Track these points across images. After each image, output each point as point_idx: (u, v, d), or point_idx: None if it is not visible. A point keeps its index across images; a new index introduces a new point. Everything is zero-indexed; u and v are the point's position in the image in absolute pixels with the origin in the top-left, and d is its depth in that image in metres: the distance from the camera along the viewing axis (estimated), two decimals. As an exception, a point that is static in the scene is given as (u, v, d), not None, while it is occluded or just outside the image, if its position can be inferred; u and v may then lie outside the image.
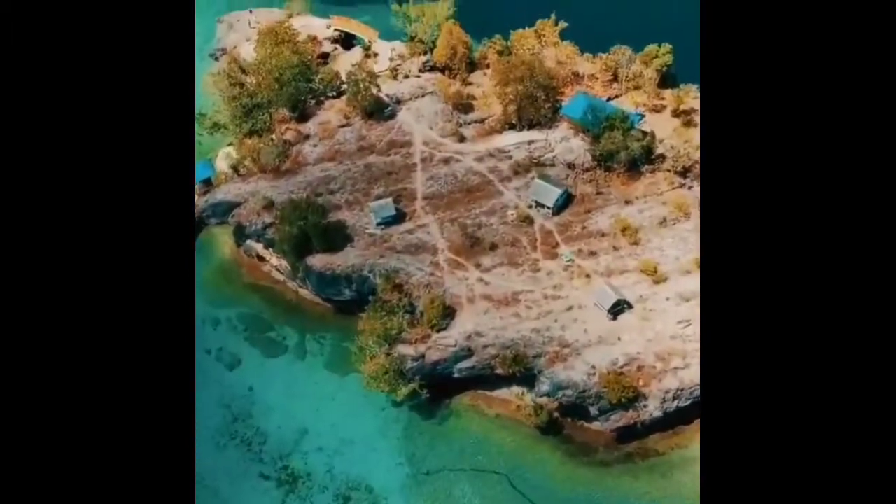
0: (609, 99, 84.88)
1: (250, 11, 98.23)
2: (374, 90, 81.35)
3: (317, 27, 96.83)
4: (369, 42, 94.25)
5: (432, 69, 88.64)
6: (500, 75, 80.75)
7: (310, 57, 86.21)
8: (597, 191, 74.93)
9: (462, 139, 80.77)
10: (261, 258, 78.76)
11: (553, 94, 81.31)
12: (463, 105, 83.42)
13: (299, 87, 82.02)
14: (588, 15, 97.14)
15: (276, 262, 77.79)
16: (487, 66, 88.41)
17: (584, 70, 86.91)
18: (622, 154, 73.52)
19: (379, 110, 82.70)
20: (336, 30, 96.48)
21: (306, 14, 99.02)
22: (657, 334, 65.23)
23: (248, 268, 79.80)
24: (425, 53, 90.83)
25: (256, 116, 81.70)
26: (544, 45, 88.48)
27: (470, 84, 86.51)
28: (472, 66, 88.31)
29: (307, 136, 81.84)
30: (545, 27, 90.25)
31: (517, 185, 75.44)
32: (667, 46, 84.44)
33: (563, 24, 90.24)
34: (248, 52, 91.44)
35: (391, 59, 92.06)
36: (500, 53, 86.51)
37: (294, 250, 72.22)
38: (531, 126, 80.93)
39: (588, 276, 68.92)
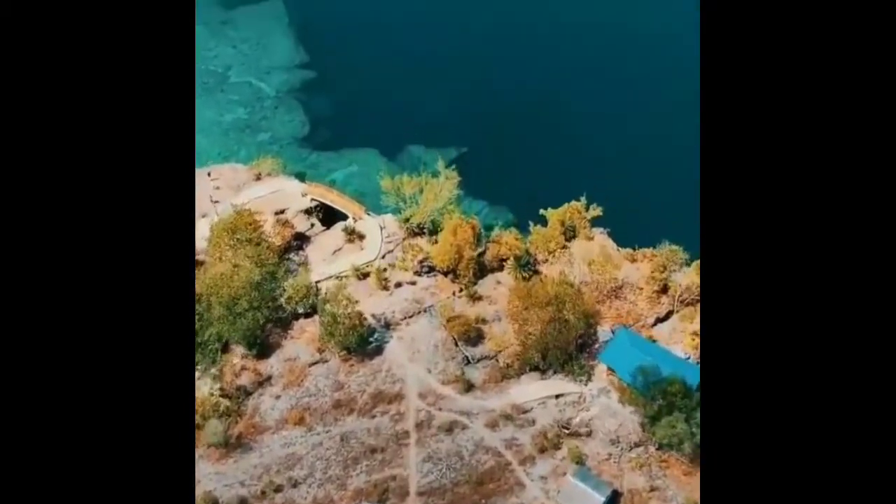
0: (658, 320, 66.55)
1: (209, 174, 79.76)
2: (357, 322, 63.06)
3: (290, 193, 78.30)
4: (354, 219, 75.94)
5: (431, 270, 70.41)
6: (520, 302, 62.79)
7: (276, 263, 67.86)
8: (650, 485, 56.57)
9: (469, 387, 62.26)
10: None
11: (588, 327, 63.45)
12: (470, 333, 65.32)
13: (258, 315, 63.63)
14: (624, 192, 79.15)
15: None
16: (500, 266, 70.51)
17: (624, 276, 68.64)
18: (686, 444, 55.12)
19: (362, 343, 64.04)
20: (313, 199, 78.36)
21: (277, 175, 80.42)
22: None
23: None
24: (423, 233, 72.80)
25: (202, 350, 63.35)
26: (569, 235, 70.44)
27: (479, 299, 68.04)
28: (483, 269, 70.25)
29: (268, 379, 63.26)
30: (573, 212, 71.87)
31: (543, 472, 56.68)
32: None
33: (596, 211, 72.18)
34: (202, 232, 73.09)
35: (383, 239, 74.14)
36: (518, 260, 68.28)
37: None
38: (558, 366, 63.28)
39: None
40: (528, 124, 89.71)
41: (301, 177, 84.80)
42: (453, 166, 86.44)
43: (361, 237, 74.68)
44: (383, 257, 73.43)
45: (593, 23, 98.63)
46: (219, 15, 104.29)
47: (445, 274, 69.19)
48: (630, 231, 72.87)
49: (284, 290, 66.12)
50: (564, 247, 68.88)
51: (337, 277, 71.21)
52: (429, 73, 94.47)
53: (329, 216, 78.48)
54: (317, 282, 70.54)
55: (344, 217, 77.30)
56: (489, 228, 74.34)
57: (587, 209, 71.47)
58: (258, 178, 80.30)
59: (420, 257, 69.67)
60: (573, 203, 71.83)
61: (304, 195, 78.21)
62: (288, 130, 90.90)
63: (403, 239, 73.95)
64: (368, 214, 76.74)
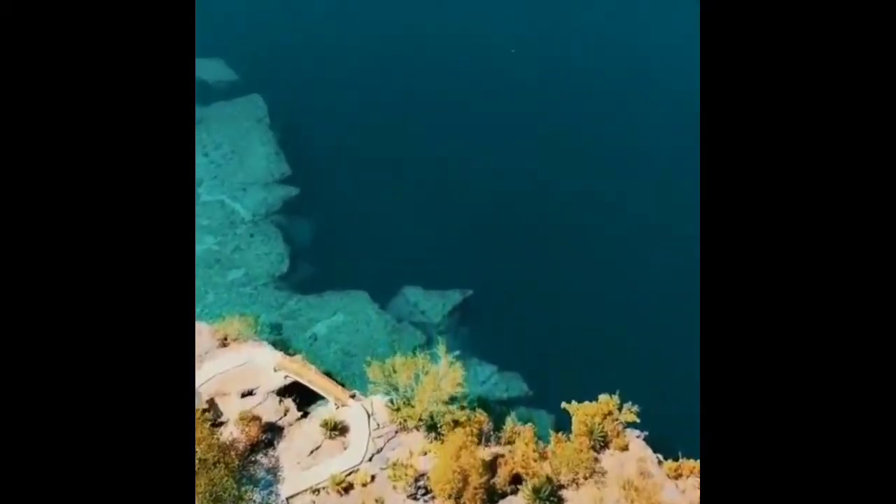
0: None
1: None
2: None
3: (261, 367, 65.65)
4: (336, 405, 63.28)
5: (428, 492, 57.60)
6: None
7: (236, 477, 55.23)
8: None
9: None
10: None
11: None
12: None
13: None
14: (665, 377, 66.50)
15: None
16: (514, 489, 57.53)
17: (669, 501, 55.89)
18: None
19: None
20: (287, 376, 65.74)
21: (248, 339, 67.69)
22: None
23: None
24: (419, 423, 60.22)
25: None
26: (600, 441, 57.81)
27: (488, 543, 55.02)
28: (493, 495, 56.65)
29: None
30: (603, 412, 59.18)
31: None
32: None
33: (631, 414, 59.44)
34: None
35: (371, 433, 61.42)
36: (538, 493, 55.45)
37: None
38: None
39: None
40: (545, 264, 76.89)
41: (278, 330, 72.39)
42: (456, 314, 75.01)
43: (344, 430, 62.13)
44: (370, 459, 60.78)
45: (616, 149, 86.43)
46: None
47: (448, 496, 56.64)
48: (671, 428, 60.36)
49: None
50: (593, 470, 56.38)
51: (313, 491, 58.68)
52: (430, 198, 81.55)
53: (306, 395, 66.03)
54: (288, 499, 58.09)
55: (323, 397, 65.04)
56: (500, 422, 61.94)
57: (620, 409, 59.00)
58: (224, 342, 67.87)
59: (415, 475, 57.16)
60: (603, 399, 59.34)
61: (276, 370, 65.69)
62: (264, 266, 77.73)
63: (396, 433, 61.49)
64: (353, 398, 64.20)
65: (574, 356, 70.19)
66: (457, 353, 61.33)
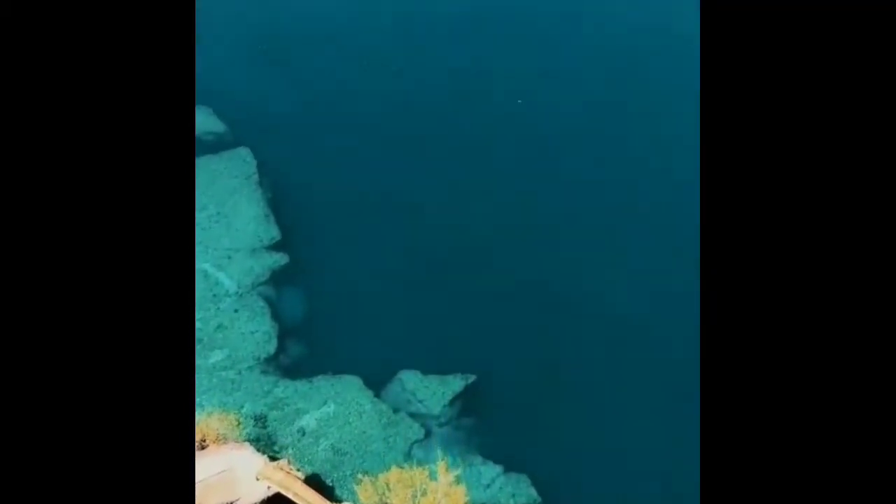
0: None
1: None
2: None
3: (242, 476, 59.54)
4: (325, 529, 57.33)
5: None
6: None
7: None
8: None
9: None
10: None
11: None
12: None
13: None
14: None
15: None
16: None
17: None
18: None
19: None
20: (270, 486, 59.70)
21: (231, 440, 61.59)
22: None
23: None
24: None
25: None
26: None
27: None
28: None
29: None
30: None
31: None
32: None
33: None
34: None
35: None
36: None
37: None
38: None
39: None
40: (557, 346, 70.55)
41: (262, 422, 66.25)
42: (458, 403, 68.92)
43: (335, 557, 56.29)
44: (362, 589, 54.93)
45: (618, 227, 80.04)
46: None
47: None
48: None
49: None
50: None
51: None
52: (431, 272, 75.41)
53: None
54: None
55: (312, 509, 58.94)
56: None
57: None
58: (203, 444, 61.78)
59: None
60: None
61: (259, 479, 59.62)
62: (249, 347, 71.35)
63: (391, 557, 55.52)
64: (343, 512, 58.32)
65: (591, 457, 64.14)
66: (457, 472, 55.33)
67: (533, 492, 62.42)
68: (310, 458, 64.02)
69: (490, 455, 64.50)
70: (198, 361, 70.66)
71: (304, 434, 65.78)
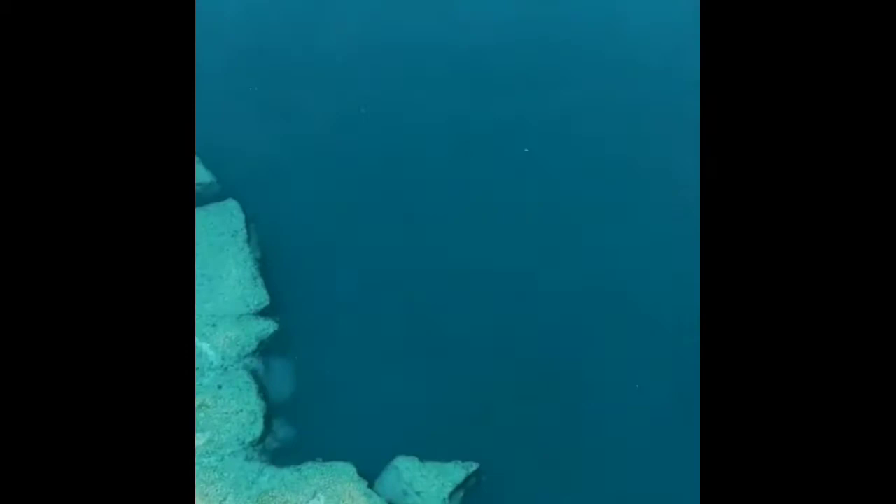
0: None
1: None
2: None
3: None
4: None
5: None
6: None
7: None
8: None
9: None
10: None
11: None
12: None
13: None
14: None
15: None
16: None
17: None
18: None
19: None
20: None
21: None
22: None
23: None
24: None
25: None
26: None
27: None
28: None
29: None
30: None
31: None
32: None
33: None
34: None
35: None
36: None
37: None
38: None
39: None
40: (568, 430, 64.48)
41: (246, 516, 61.02)
42: (458, 493, 63.89)
43: None
44: None
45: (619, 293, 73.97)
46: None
47: None
48: None
49: None
50: None
51: None
52: (430, 349, 69.32)
53: None
54: None
55: None
56: None
57: None
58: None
59: None
60: None
61: (239, 593, 54.43)
62: (234, 430, 65.89)
63: None
64: None
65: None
66: None
67: None
68: (297, 560, 58.80)
69: (494, 558, 59.44)
70: (177, 445, 65.73)
71: (290, 532, 60.57)
